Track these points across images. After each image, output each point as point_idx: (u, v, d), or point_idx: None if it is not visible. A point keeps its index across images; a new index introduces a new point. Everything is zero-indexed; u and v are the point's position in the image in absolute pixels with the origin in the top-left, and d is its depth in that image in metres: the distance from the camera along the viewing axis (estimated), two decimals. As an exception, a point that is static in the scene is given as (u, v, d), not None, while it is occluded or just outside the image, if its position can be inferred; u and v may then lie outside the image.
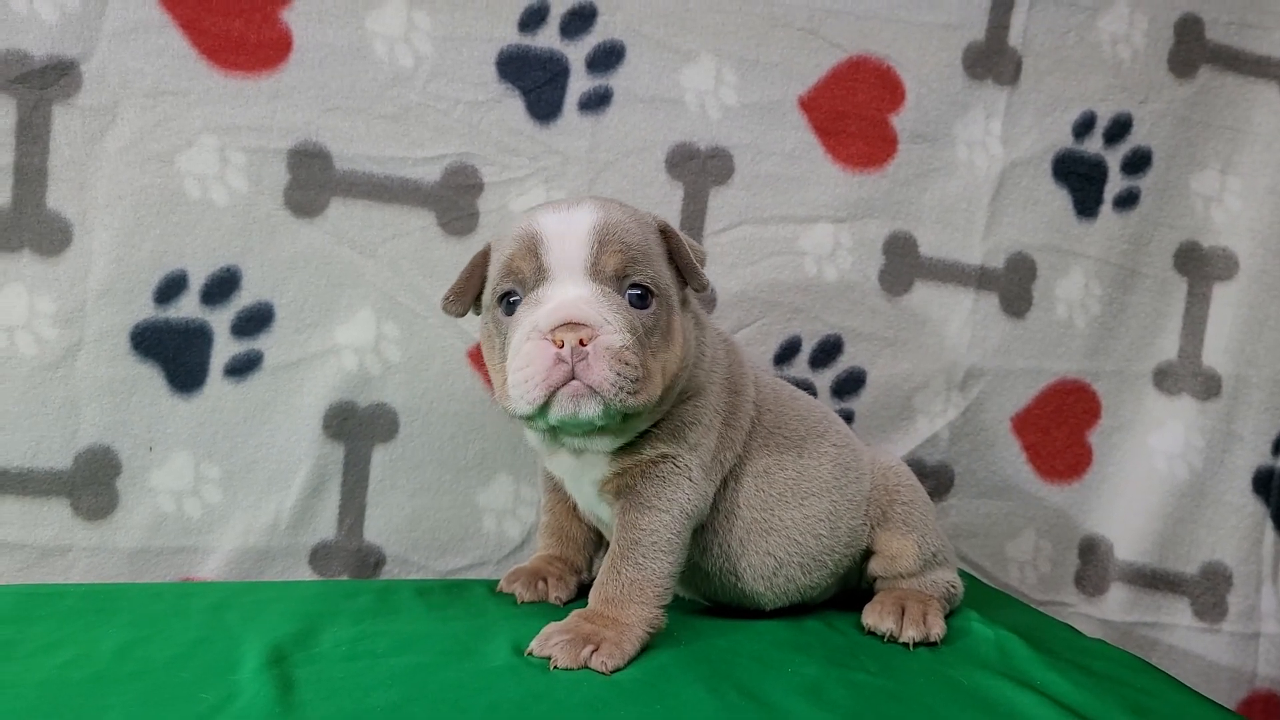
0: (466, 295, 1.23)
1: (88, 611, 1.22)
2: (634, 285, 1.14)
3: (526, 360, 1.08)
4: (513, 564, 1.50)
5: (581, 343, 1.07)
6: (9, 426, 1.38)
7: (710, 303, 1.60)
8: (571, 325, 1.07)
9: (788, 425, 1.35)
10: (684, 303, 1.23)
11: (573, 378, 1.07)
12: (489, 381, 1.49)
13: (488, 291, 1.20)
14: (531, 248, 1.13)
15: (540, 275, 1.13)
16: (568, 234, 1.13)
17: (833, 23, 1.61)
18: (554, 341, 1.07)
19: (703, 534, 1.30)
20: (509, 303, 1.16)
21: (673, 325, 1.17)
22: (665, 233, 1.21)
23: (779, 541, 1.31)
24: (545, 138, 1.53)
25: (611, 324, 1.09)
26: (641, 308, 1.14)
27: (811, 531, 1.33)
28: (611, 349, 1.07)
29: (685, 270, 1.21)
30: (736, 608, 1.36)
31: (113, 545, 1.42)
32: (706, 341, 1.28)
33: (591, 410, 1.09)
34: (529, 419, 1.13)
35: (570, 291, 1.11)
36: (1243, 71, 1.77)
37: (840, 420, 1.45)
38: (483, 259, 1.22)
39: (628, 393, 1.09)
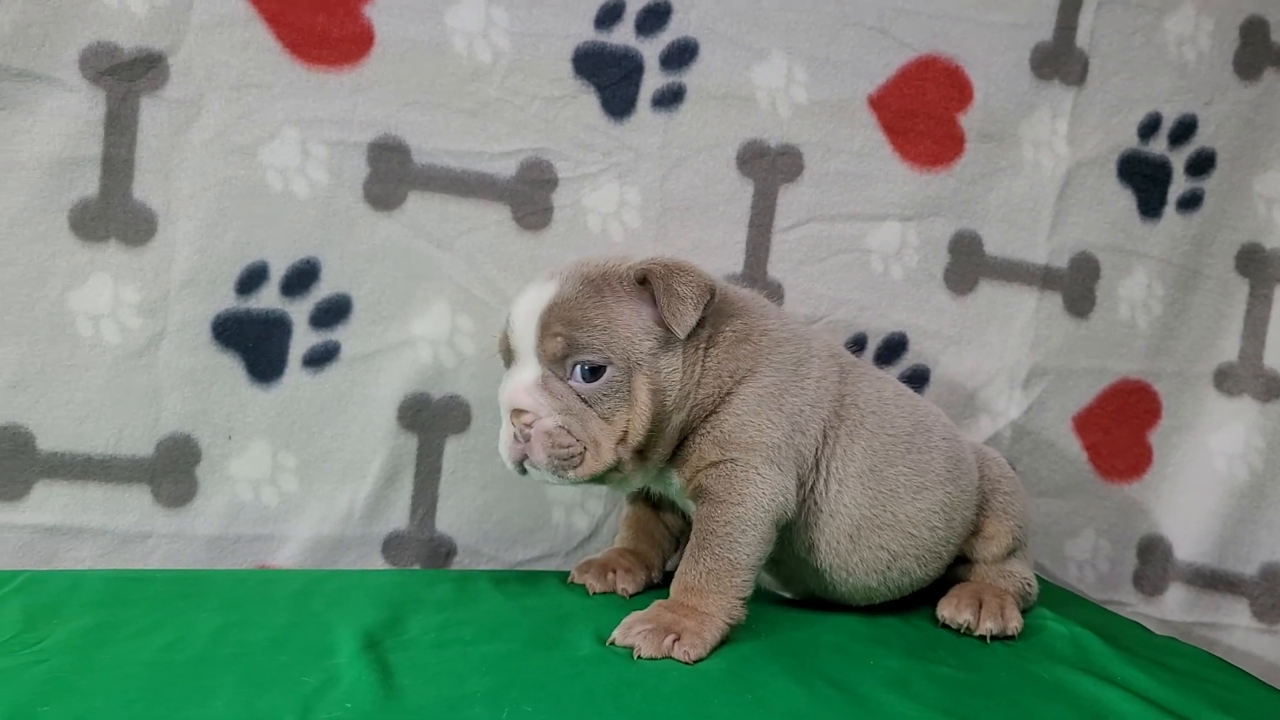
0: None
1: (176, 597, 1.24)
2: (580, 363, 1.21)
3: (502, 434, 1.26)
4: (580, 556, 1.52)
5: (527, 425, 1.21)
6: (93, 414, 1.39)
7: (778, 299, 1.61)
8: (517, 411, 1.22)
9: (893, 422, 1.36)
10: (668, 344, 1.24)
11: (525, 454, 1.22)
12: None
13: None
14: (505, 331, 1.27)
15: (509, 356, 1.27)
16: (522, 319, 1.25)
17: (903, 21, 1.62)
18: (512, 421, 1.23)
19: (805, 533, 1.31)
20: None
21: (634, 386, 1.22)
22: (646, 282, 1.23)
23: (893, 536, 1.33)
24: (619, 134, 1.54)
25: (544, 407, 1.21)
26: (592, 380, 1.22)
27: (927, 524, 1.34)
28: (546, 431, 1.21)
29: (665, 319, 1.22)
30: (818, 601, 1.37)
31: (191, 532, 1.44)
32: (746, 354, 1.28)
33: (544, 478, 1.24)
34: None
35: (518, 377, 1.24)
36: (1308, 74, 1.78)
37: (943, 414, 1.46)
38: None
39: (566, 468, 1.22)
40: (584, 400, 1.22)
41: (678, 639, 1.15)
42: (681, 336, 1.22)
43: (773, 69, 1.59)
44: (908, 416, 1.37)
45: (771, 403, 1.27)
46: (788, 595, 1.41)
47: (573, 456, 1.21)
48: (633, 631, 1.16)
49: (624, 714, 1.01)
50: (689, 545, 1.26)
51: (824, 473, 1.31)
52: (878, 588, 1.35)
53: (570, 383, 1.22)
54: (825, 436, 1.31)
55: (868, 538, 1.32)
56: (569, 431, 1.21)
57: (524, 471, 1.24)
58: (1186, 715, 1.11)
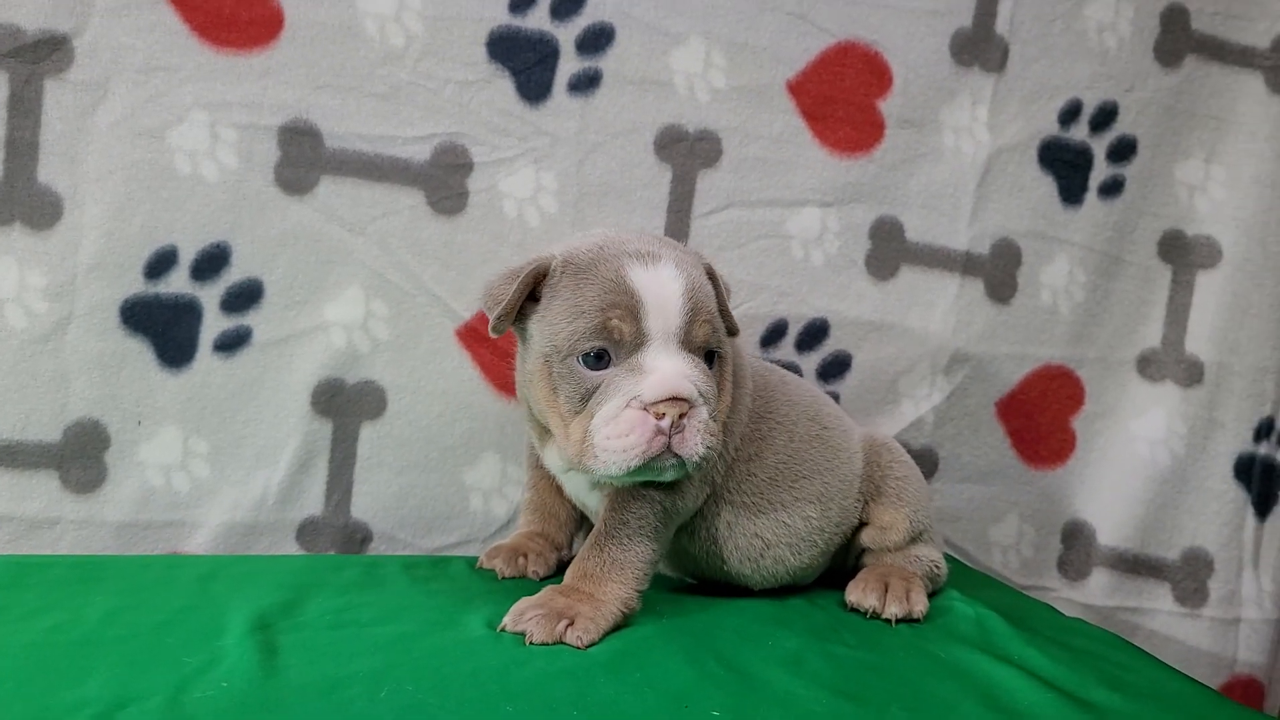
0: (513, 315, 1.20)
1: (75, 580, 1.23)
2: (709, 351, 1.17)
3: (626, 429, 1.11)
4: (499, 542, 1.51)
5: (682, 416, 1.11)
6: (-2, 399, 1.39)
7: (697, 285, 1.61)
8: (676, 401, 1.11)
9: (777, 410, 1.36)
10: None
11: (667, 448, 1.11)
12: (477, 361, 1.51)
13: (558, 335, 1.16)
14: (632, 310, 1.13)
15: (639, 341, 1.14)
16: (665, 299, 1.14)
17: (822, 7, 1.62)
18: (655, 414, 1.10)
19: (690, 519, 1.31)
20: (593, 357, 1.15)
21: (724, 373, 1.22)
22: (711, 276, 1.23)
23: (767, 524, 1.32)
24: (535, 119, 1.54)
25: (704, 397, 1.14)
26: (711, 368, 1.18)
27: (801, 514, 1.34)
28: (705, 422, 1.13)
29: (724, 313, 1.23)
30: (724, 585, 1.37)
31: (101, 518, 1.43)
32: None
33: (671, 475, 1.15)
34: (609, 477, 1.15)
35: (669, 364, 1.13)
36: (1228, 61, 1.79)
37: (831, 401, 1.47)
38: (533, 279, 1.18)
39: (709, 460, 1.14)
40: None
41: (570, 624, 1.14)
42: (736, 333, 1.25)
43: (691, 53, 1.59)
44: (791, 405, 1.38)
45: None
46: (689, 580, 1.41)
47: (717, 447, 1.16)
48: (525, 617, 1.15)
49: (508, 693, 1.00)
50: (594, 533, 1.25)
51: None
52: (751, 575, 1.34)
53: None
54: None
55: (743, 525, 1.32)
56: (716, 421, 1.16)
57: (639, 473, 1.13)
58: (1074, 691, 1.12)
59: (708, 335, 1.16)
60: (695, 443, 1.12)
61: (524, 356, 1.25)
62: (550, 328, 1.17)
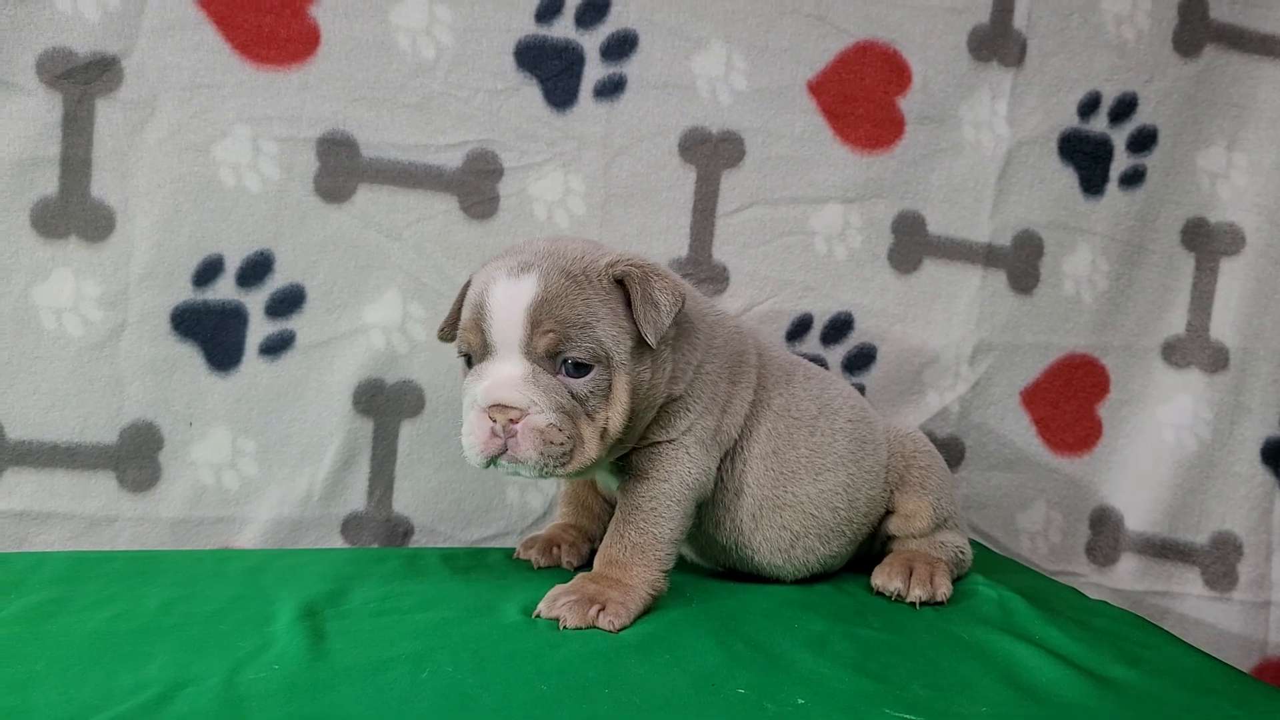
0: (453, 326, 1.32)
1: (134, 574, 1.30)
2: (567, 360, 1.21)
3: (470, 429, 1.21)
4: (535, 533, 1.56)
5: (512, 421, 1.18)
6: (59, 404, 1.46)
7: (723, 282, 1.66)
8: (501, 407, 1.18)
9: (799, 405, 1.40)
10: (642, 345, 1.25)
11: (506, 449, 1.19)
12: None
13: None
14: (478, 322, 1.22)
15: (484, 349, 1.23)
16: (508, 310, 1.20)
17: (840, 8, 1.66)
18: (490, 417, 1.18)
19: (713, 509, 1.36)
20: (466, 359, 1.27)
21: (615, 385, 1.23)
22: (624, 283, 1.23)
23: (794, 516, 1.36)
24: (562, 124, 1.59)
25: (538, 405, 1.19)
26: (579, 377, 1.21)
27: (828, 505, 1.38)
28: (537, 429, 1.18)
29: (639, 324, 1.23)
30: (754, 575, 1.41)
31: (156, 516, 1.50)
32: (698, 345, 1.32)
33: (526, 473, 1.22)
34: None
35: (504, 371, 1.20)
36: (1247, 50, 1.80)
37: (856, 394, 1.50)
38: (466, 292, 1.30)
39: (555, 465, 1.20)
40: (573, 396, 1.21)
41: (602, 609, 1.19)
42: (654, 345, 1.23)
43: (712, 57, 1.63)
44: (814, 400, 1.41)
45: (711, 391, 1.32)
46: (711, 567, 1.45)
47: (564, 454, 1.20)
48: (558, 603, 1.20)
49: (542, 673, 1.05)
50: (614, 520, 1.31)
51: (733, 452, 1.36)
52: (783, 565, 1.38)
53: (559, 378, 1.21)
54: (746, 420, 1.36)
55: (769, 517, 1.36)
56: (560, 429, 1.19)
57: (491, 465, 1.21)
58: (1093, 668, 1.14)
59: (553, 345, 1.19)
60: (526, 448, 1.18)
61: None
62: None
